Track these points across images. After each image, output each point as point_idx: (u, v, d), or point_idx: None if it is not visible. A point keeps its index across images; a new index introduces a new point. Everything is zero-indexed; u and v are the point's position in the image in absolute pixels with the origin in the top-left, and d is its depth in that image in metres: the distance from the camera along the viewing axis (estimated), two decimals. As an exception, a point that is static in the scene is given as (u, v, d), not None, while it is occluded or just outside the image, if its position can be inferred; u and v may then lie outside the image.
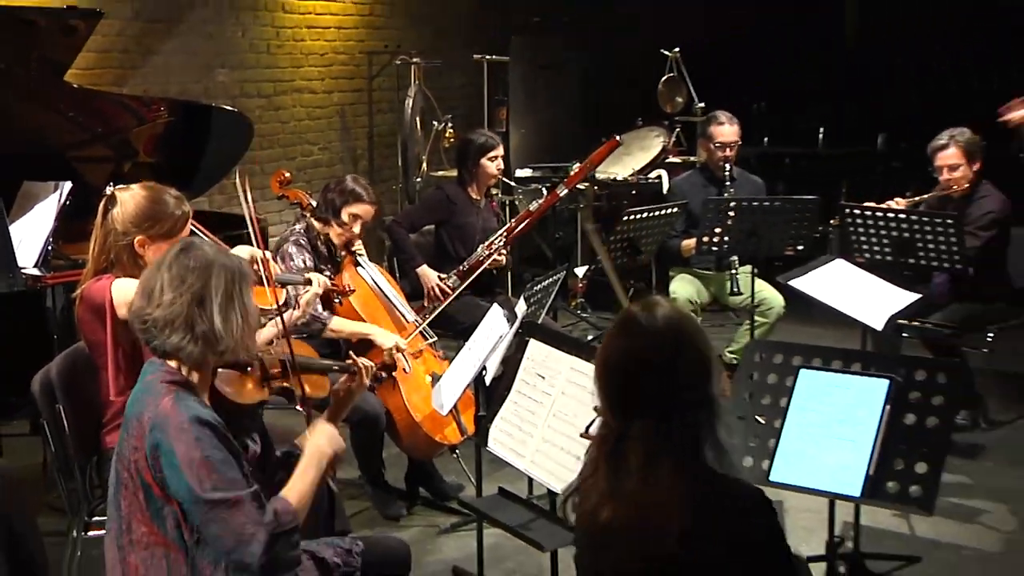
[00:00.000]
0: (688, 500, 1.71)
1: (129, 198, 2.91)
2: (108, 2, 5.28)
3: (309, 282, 3.58)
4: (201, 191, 5.02)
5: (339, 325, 3.89)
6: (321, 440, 2.29)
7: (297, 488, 2.17)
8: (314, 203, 4.05)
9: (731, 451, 1.83)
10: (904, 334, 4.65)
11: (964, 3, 10.19)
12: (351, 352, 2.66)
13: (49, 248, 3.77)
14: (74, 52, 4.15)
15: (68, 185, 3.89)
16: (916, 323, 4.61)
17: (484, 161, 4.88)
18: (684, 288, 5.22)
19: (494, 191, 5.58)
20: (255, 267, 3.26)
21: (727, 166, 5.23)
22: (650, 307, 1.81)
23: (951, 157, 4.68)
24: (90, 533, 2.86)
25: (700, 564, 1.70)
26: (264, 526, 2.01)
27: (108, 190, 2.99)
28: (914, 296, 3.89)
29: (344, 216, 3.99)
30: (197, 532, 2.05)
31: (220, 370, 2.27)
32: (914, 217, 4.46)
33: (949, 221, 4.35)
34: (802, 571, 1.83)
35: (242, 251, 3.40)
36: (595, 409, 1.87)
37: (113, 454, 2.21)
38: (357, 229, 4.04)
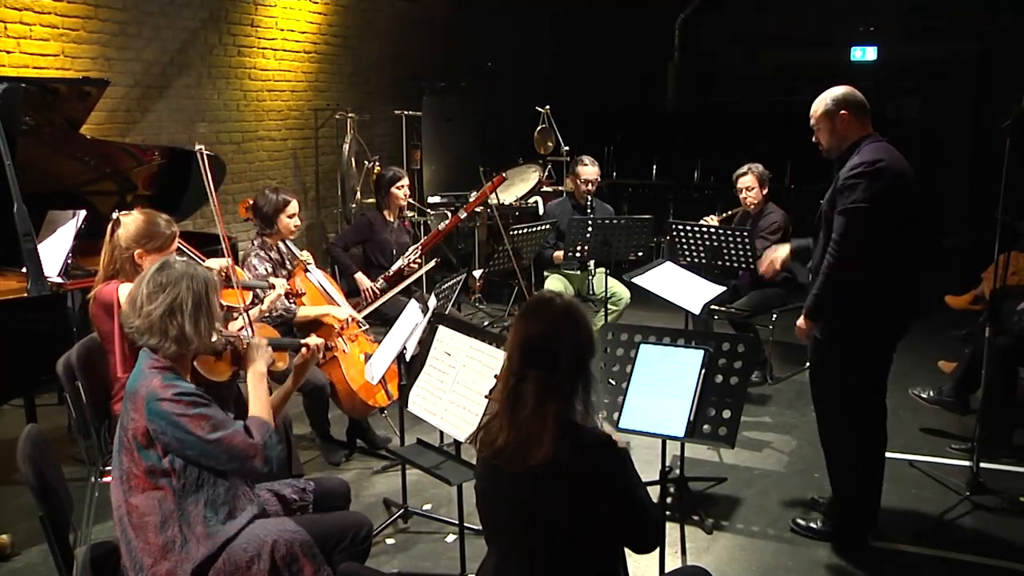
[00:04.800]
0: (554, 436, 1.74)
1: (131, 221, 2.90)
2: (114, 73, 5.25)
3: (273, 286, 3.57)
4: (186, 216, 4.91)
5: (304, 312, 3.86)
6: (255, 362, 2.28)
7: (257, 404, 2.20)
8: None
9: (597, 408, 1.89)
10: (714, 316, 4.77)
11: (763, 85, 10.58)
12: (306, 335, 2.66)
13: (68, 261, 3.69)
14: (88, 111, 4.09)
15: (83, 213, 3.82)
16: (722, 308, 4.73)
17: (393, 190, 4.85)
18: (555, 286, 5.23)
19: (409, 213, 5.53)
20: (223, 273, 3.16)
21: (588, 197, 5.29)
22: (560, 296, 1.89)
23: (748, 181, 4.85)
24: (104, 480, 2.81)
25: (552, 481, 1.74)
26: (256, 445, 2.06)
27: (115, 215, 2.95)
28: (721, 288, 3.98)
29: (284, 219, 3.90)
30: (183, 479, 2.04)
31: (198, 355, 2.22)
32: (720, 231, 4.59)
33: (744, 235, 4.50)
34: (645, 498, 1.87)
35: (213, 263, 3.30)
36: (495, 376, 1.89)
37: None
38: (297, 220, 3.97)
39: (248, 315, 3.06)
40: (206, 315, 2.12)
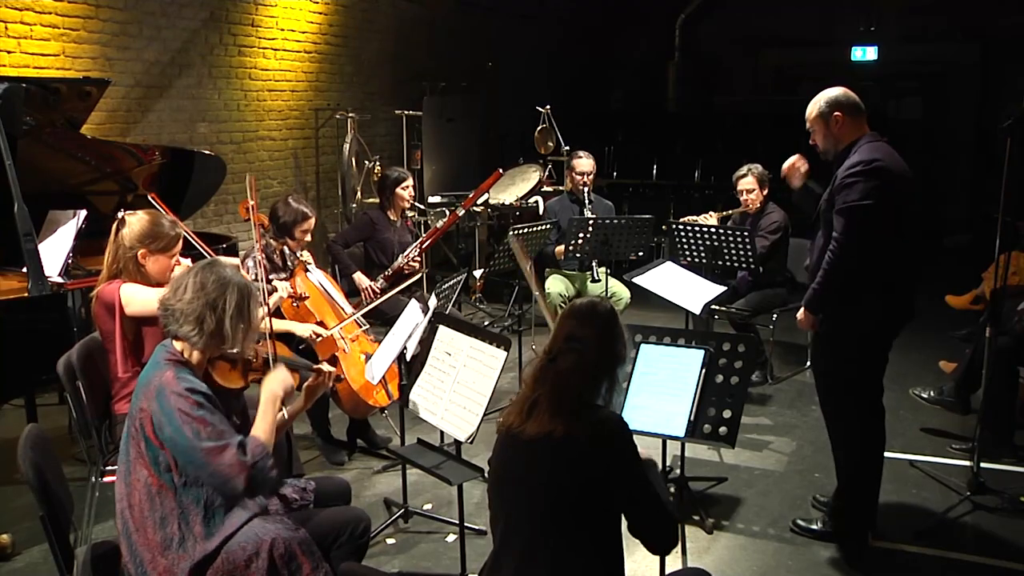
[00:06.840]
0: (572, 408, 1.86)
1: (135, 221, 2.90)
2: (114, 73, 5.24)
3: (275, 290, 3.54)
4: (187, 216, 4.89)
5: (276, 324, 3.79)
6: (273, 385, 2.26)
7: (262, 426, 2.17)
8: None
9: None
10: (715, 316, 4.75)
11: (755, 83, 10.58)
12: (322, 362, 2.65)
13: (69, 261, 3.69)
14: (88, 111, 4.07)
15: (83, 212, 3.81)
16: (723, 308, 4.73)
17: (398, 191, 4.84)
18: (556, 285, 5.23)
19: (410, 213, 5.53)
20: None
21: (586, 190, 5.28)
22: (605, 303, 2.02)
23: (748, 183, 4.85)
24: (104, 479, 2.81)
25: (566, 449, 1.83)
26: (244, 464, 2.01)
27: (120, 215, 2.94)
28: (721, 288, 3.98)
29: (297, 233, 3.92)
30: (185, 476, 2.04)
31: (215, 360, 2.23)
32: (721, 231, 4.59)
33: (744, 235, 4.49)
34: (650, 471, 1.96)
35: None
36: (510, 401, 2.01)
37: (120, 418, 2.15)
38: (308, 237, 3.99)
39: (270, 317, 3.05)
40: (245, 321, 2.16)
